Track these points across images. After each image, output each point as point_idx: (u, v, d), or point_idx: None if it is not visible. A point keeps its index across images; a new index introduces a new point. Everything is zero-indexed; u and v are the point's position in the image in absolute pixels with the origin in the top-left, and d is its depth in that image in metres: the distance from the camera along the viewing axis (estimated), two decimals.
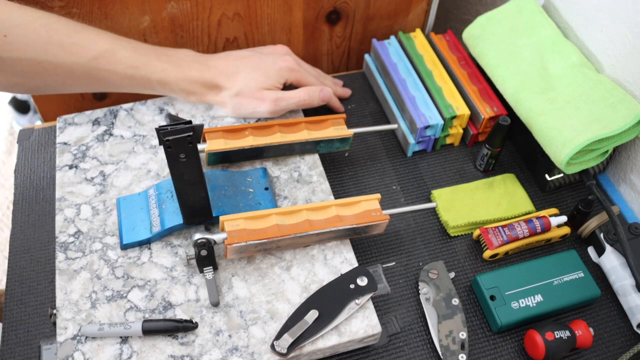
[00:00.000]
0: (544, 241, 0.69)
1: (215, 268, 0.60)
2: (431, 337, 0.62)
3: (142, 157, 0.69)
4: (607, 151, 0.68)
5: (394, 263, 0.67)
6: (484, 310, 0.63)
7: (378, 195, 0.64)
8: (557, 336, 0.59)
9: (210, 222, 0.62)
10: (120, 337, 0.55)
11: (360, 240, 0.69)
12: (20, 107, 1.79)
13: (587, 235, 0.69)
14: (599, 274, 0.68)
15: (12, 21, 0.60)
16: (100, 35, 0.65)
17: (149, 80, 0.67)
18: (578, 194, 0.75)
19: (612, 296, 0.66)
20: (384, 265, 0.67)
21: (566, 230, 0.69)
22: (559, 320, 0.64)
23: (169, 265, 0.60)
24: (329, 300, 0.57)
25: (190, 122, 0.54)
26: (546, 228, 0.67)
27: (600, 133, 0.64)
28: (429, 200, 0.73)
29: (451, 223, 0.69)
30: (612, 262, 0.65)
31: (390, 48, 0.82)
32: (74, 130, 0.71)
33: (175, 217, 0.61)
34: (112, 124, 0.71)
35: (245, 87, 0.70)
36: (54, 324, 0.57)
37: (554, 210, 0.69)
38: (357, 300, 0.57)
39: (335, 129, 0.69)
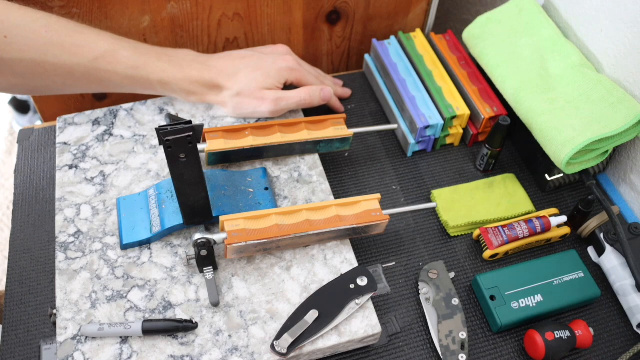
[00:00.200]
0: (544, 241, 0.69)
1: (215, 268, 0.60)
2: (431, 337, 0.62)
3: (142, 157, 0.69)
4: (607, 151, 0.68)
5: (394, 263, 0.67)
6: (484, 310, 0.63)
7: (378, 195, 0.64)
8: (557, 336, 0.59)
9: (210, 222, 0.62)
10: (120, 337, 0.55)
11: (360, 240, 0.69)
12: (20, 107, 1.79)
13: (587, 235, 0.69)
14: (599, 274, 0.68)
15: (12, 22, 0.60)
16: (101, 36, 0.65)
17: (149, 80, 0.67)
18: (578, 194, 0.75)
19: (612, 296, 0.66)
20: (384, 265, 0.67)
21: (566, 230, 0.69)
22: (559, 320, 0.64)
23: (169, 265, 0.60)
24: (329, 300, 0.57)
25: (190, 122, 0.54)
26: (546, 228, 0.67)
27: (600, 133, 0.64)
28: (429, 200, 0.73)
29: (451, 223, 0.69)
30: (612, 262, 0.65)
31: (390, 48, 0.82)
32: (74, 130, 0.71)
33: (175, 217, 0.61)
34: (112, 124, 0.71)
35: (245, 87, 0.70)
36: (54, 324, 0.57)
37: (554, 210, 0.69)
38: (357, 300, 0.57)
39: (335, 129, 0.69)
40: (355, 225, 0.61)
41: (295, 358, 0.56)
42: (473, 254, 0.69)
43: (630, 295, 0.63)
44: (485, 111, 0.74)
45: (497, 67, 0.74)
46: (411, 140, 0.76)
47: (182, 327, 0.55)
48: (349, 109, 0.82)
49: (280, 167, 0.69)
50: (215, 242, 0.58)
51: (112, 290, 0.58)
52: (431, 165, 0.77)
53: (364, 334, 0.57)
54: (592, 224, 0.68)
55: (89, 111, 0.73)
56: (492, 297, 0.62)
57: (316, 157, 0.70)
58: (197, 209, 0.60)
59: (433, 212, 0.72)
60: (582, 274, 0.64)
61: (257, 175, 0.67)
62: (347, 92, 0.83)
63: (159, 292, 0.59)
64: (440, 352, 0.59)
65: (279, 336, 0.55)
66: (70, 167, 0.67)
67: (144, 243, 0.62)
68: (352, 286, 0.58)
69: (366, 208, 0.63)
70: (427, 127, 0.74)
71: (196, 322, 0.56)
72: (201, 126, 0.62)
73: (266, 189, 0.66)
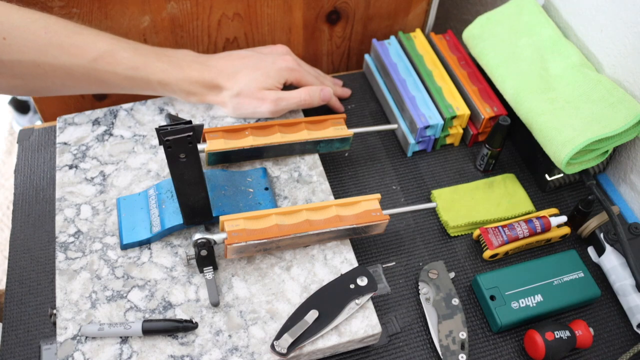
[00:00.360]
0: (544, 241, 0.69)
1: (215, 268, 0.60)
2: (431, 337, 0.62)
3: (142, 157, 0.69)
4: (607, 151, 0.68)
5: (394, 263, 0.67)
6: (484, 310, 0.63)
7: (378, 195, 0.64)
8: (557, 336, 0.59)
9: (210, 222, 0.62)
10: (120, 337, 0.55)
11: (360, 240, 0.69)
12: (20, 107, 1.79)
13: (587, 235, 0.69)
14: (599, 274, 0.68)
15: (12, 23, 0.60)
16: (100, 37, 0.65)
17: (149, 81, 0.67)
18: (578, 194, 0.75)
19: (612, 296, 0.66)
20: (384, 265, 0.67)
21: (566, 230, 0.69)
22: (559, 320, 0.64)
23: (169, 265, 0.60)
24: (329, 300, 0.57)
25: (190, 122, 0.54)
26: (546, 228, 0.67)
27: (600, 133, 0.64)
28: (429, 200, 0.73)
29: (451, 223, 0.69)
30: (612, 262, 0.65)
31: (390, 48, 0.82)
32: (74, 130, 0.71)
33: (175, 217, 0.61)
34: (112, 124, 0.71)
35: (245, 87, 0.70)
36: (54, 324, 0.57)
37: (554, 210, 0.69)
38: (357, 300, 0.57)
39: (335, 129, 0.69)
40: (355, 225, 0.61)
41: (295, 358, 0.56)
42: (473, 254, 0.69)
43: (630, 295, 0.63)
44: (485, 111, 0.74)
45: (497, 67, 0.74)
46: (411, 140, 0.76)
47: (182, 327, 0.55)
48: (349, 109, 0.82)
49: (280, 167, 0.69)
50: (215, 242, 0.58)
51: (112, 290, 0.58)
52: (431, 165, 0.77)
53: (364, 334, 0.57)
54: (592, 224, 0.68)
55: (89, 111, 0.73)
56: (492, 297, 0.62)
57: (316, 157, 0.70)
58: (197, 209, 0.60)
59: (433, 212, 0.72)
60: (582, 274, 0.64)
61: (257, 175, 0.67)
62: (346, 92, 0.83)
63: (159, 292, 0.59)
64: (440, 352, 0.59)
65: (279, 336, 0.55)
66: (70, 167, 0.67)
67: (144, 243, 0.62)
68: (352, 286, 0.58)
69: (366, 208, 0.63)
70: (427, 127, 0.74)
71: (196, 322, 0.56)
72: (201, 126, 0.62)
73: (266, 189, 0.66)
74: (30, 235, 0.68)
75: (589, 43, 0.73)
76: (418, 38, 0.83)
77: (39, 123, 1.17)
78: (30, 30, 0.61)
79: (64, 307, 0.57)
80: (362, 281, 0.58)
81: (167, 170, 0.67)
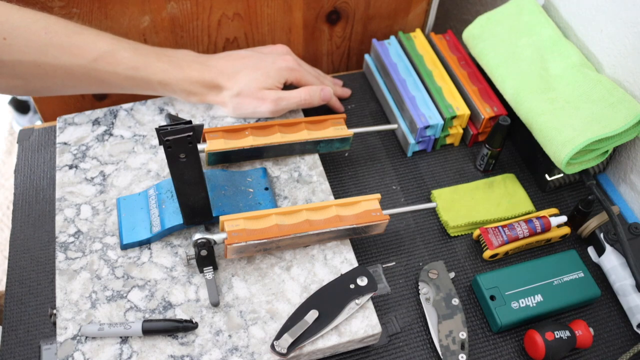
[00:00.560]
0: (544, 241, 0.69)
1: (215, 268, 0.60)
2: (431, 337, 0.62)
3: (142, 157, 0.69)
4: (607, 151, 0.68)
5: (394, 263, 0.67)
6: (484, 310, 0.63)
7: (378, 195, 0.64)
8: (557, 336, 0.59)
9: (210, 222, 0.62)
10: (120, 337, 0.55)
11: (360, 240, 0.69)
12: (20, 107, 1.79)
13: (587, 235, 0.69)
14: (599, 274, 0.68)
15: (12, 23, 0.60)
16: (100, 37, 0.65)
17: (149, 81, 0.67)
18: (578, 194, 0.75)
19: (612, 296, 0.66)
20: (384, 265, 0.67)
21: (566, 230, 0.69)
22: (559, 320, 0.64)
23: (169, 265, 0.60)
24: (329, 300, 0.57)
25: (190, 122, 0.54)
26: (546, 228, 0.67)
27: (600, 133, 0.64)
28: (429, 200, 0.73)
29: (451, 223, 0.69)
30: (612, 262, 0.65)
31: (390, 48, 0.82)
32: (74, 130, 0.71)
33: (175, 217, 0.61)
34: (112, 124, 0.71)
35: (245, 87, 0.70)
36: (54, 324, 0.57)
37: (554, 210, 0.69)
38: (357, 300, 0.57)
39: (335, 129, 0.69)
40: (355, 225, 0.61)
41: (295, 358, 0.56)
42: (473, 254, 0.69)
43: (630, 295, 0.63)
44: (485, 111, 0.74)
45: (497, 67, 0.74)
46: (411, 140, 0.76)
47: (182, 327, 0.55)
48: (349, 109, 0.82)
49: (280, 167, 0.69)
50: (215, 242, 0.58)
51: (112, 290, 0.58)
52: (431, 165, 0.77)
53: (364, 334, 0.57)
54: (592, 224, 0.68)
55: (89, 111, 0.73)
56: (492, 297, 0.62)
57: (316, 157, 0.70)
58: (197, 209, 0.60)
59: (433, 212, 0.72)
60: (582, 274, 0.64)
61: (257, 175, 0.67)
62: (347, 92, 0.83)
63: (159, 292, 0.59)
64: (440, 352, 0.59)
65: (279, 336, 0.55)
66: (70, 167, 0.67)
67: (144, 243, 0.62)
68: (352, 286, 0.58)
69: (366, 208, 0.63)
70: (427, 127, 0.74)
71: (196, 322, 0.56)
72: (201, 126, 0.62)
73: (266, 189, 0.66)
74: (30, 235, 0.68)
75: (589, 43, 0.73)
76: (418, 38, 0.83)
77: (39, 123, 1.17)
78: (30, 30, 0.61)
79: (64, 307, 0.57)
80: (362, 281, 0.58)
81: (167, 170, 0.67)
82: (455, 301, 0.62)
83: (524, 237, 0.66)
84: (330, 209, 0.62)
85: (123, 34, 0.76)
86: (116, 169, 0.67)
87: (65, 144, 0.69)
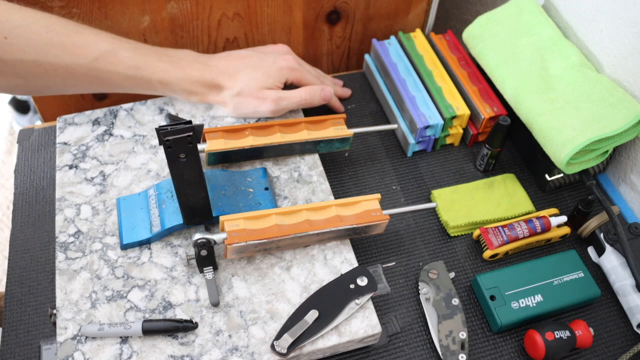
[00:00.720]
0: (544, 241, 0.69)
1: (215, 268, 0.60)
2: (431, 337, 0.62)
3: (142, 157, 0.69)
4: (607, 151, 0.68)
5: (394, 263, 0.67)
6: (484, 310, 0.63)
7: (378, 195, 0.64)
8: (557, 336, 0.59)
9: (210, 222, 0.62)
10: (120, 337, 0.55)
11: (360, 240, 0.69)
12: (20, 107, 1.79)
13: (587, 235, 0.69)
14: (599, 274, 0.68)
15: (13, 22, 0.60)
16: (101, 36, 0.65)
17: (150, 80, 0.67)
18: (578, 194, 0.75)
19: (612, 296, 0.66)
20: (384, 265, 0.67)
21: (566, 230, 0.69)
22: (559, 320, 0.64)
23: (169, 265, 0.60)
24: (329, 300, 0.57)
25: (190, 122, 0.54)
26: (546, 228, 0.67)
27: (600, 133, 0.64)
28: (429, 200, 0.73)
29: (451, 223, 0.69)
30: (612, 262, 0.65)
31: (390, 48, 0.82)
32: (74, 130, 0.71)
33: (175, 217, 0.61)
34: (112, 124, 0.71)
35: (246, 87, 0.70)
36: (54, 324, 0.57)
37: (554, 210, 0.69)
38: (357, 300, 0.57)
39: (335, 129, 0.69)
40: (355, 225, 0.61)
41: (295, 358, 0.56)
42: (473, 254, 0.69)
43: (630, 295, 0.63)
44: (485, 111, 0.74)
45: (497, 67, 0.74)
46: (411, 140, 0.76)
47: (182, 327, 0.55)
48: (349, 109, 0.82)
49: (280, 167, 0.69)
50: (215, 242, 0.58)
51: (112, 290, 0.58)
52: (431, 165, 0.77)
53: (364, 334, 0.57)
54: (592, 224, 0.68)
55: (89, 111, 0.73)
56: (492, 297, 0.62)
57: (316, 157, 0.70)
58: (197, 209, 0.60)
59: (433, 212, 0.72)
60: (582, 274, 0.64)
61: (257, 175, 0.67)
62: (347, 92, 0.83)
63: (159, 292, 0.59)
64: (440, 352, 0.59)
65: (279, 336, 0.55)
66: (70, 167, 0.67)
67: (144, 243, 0.62)
68: (352, 286, 0.58)
69: (366, 208, 0.63)
70: (427, 127, 0.74)
71: (196, 322, 0.56)
72: (201, 126, 0.62)
73: (266, 189, 0.66)
74: (30, 235, 0.68)
75: (589, 43, 0.73)
76: (418, 38, 0.83)
77: (39, 123, 1.17)
78: (31, 29, 0.61)
79: (64, 307, 0.57)
80: (362, 281, 0.58)
81: (167, 170, 0.67)
82: (455, 301, 0.62)
83: (524, 237, 0.66)
84: (330, 209, 0.62)
85: (123, 34, 0.76)
86: (116, 169, 0.67)
87: (65, 144, 0.69)
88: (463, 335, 0.60)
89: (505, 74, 0.73)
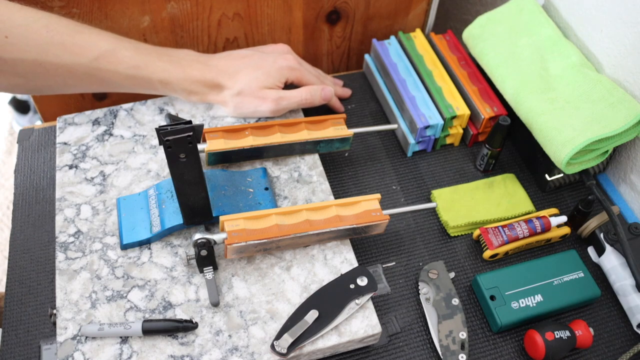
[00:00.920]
0: (544, 241, 0.69)
1: (215, 268, 0.60)
2: (431, 337, 0.62)
3: (142, 157, 0.69)
4: (607, 151, 0.68)
5: (394, 263, 0.67)
6: (484, 310, 0.63)
7: (378, 195, 0.64)
8: (557, 336, 0.59)
9: (210, 222, 0.62)
10: (120, 337, 0.55)
11: (360, 240, 0.69)
12: (20, 107, 1.79)
13: (587, 235, 0.69)
14: (599, 274, 0.68)
15: (13, 22, 0.60)
16: (102, 36, 0.65)
17: (150, 80, 0.67)
18: (578, 194, 0.75)
19: (612, 296, 0.66)
20: (384, 265, 0.67)
21: (566, 230, 0.69)
22: (559, 320, 0.64)
23: (169, 265, 0.60)
24: (329, 300, 0.57)
25: (190, 122, 0.54)
26: (546, 228, 0.67)
27: (600, 133, 0.64)
28: (429, 200, 0.73)
29: (451, 223, 0.69)
30: (612, 262, 0.65)
31: (390, 48, 0.82)
32: (74, 130, 0.71)
33: (175, 217, 0.61)
34: (112, 124, 0.71)
35: (246, 86, 0.70)
36: (54, 324, 0.57)
37: (554, 210, 0.69)
38: (357, 300, 0.57)
39: (335, 129, 0.69)
40: (355, 225, 0.61)
41: (295, 358, 0.56)
42: (473, 254, 0.69)
43: (630, 295, 0.63)
44: (485, 111, 0.74)
45: (497, 67, 0.74)
46: (411, 140, 0.76)
47: (182, 327, 0.55)
48: (349, 109, 0.82)
49: (280, 167, 0.69)
50: (215, 242, 0.58)
51: (112, 290, 0.58)
52: (431, 165, 0.77)
53: (364, 334, 0.57)
54: (592, 224, 0.68)
55: (89, 111, 0.73)
56: (492, 297, 0.62)
57: (316, 157, 0.70)
58: (197, 209, 0.60)
59: (433, 212, 0.72)
60: (582, 274, 0.64)
61: (257, 175, 0.67)
62: (347, 92, 0.83)
63: (159, 292, 0.59)
64: (440, 352, 0.59)
65: (279, 336, 0.55)
66: (70, 167, 0.67)
67: (144, 243, 0.62)
68: (352, 286, 0.58)
69: (366, 208, 0.63)
70: (427, 127, 0.74)
71: (196, 322, 0.56)
72: (201, 126, 0.62)
73: (266, 189, 0.66)
74: (30, 235, 0.68)
75: (589, 43, 0.73)
76: (418, 38, 0.83)
77: (39, 123, 1.17)
78: (32, 29, 0.61)
79: (64, 307, 0.57)
80: (362, 281, 0.58)
81: (167, 170, 0.67)
82: (455, 301, 0.62)
83: (524, 237, 0.66)
84: (330, 209, 0.62)
85: (123, 34, 0.76)
86: (116, 169, 0.67)
87: (65, 144, 0.69)
88: (463, 335, 0.60)
89: (505, 74, 0.73)
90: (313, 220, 0.61)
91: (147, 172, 0.67)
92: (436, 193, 0.72)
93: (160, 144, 0.53)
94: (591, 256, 0.68)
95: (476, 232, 0.68)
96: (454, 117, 0.75)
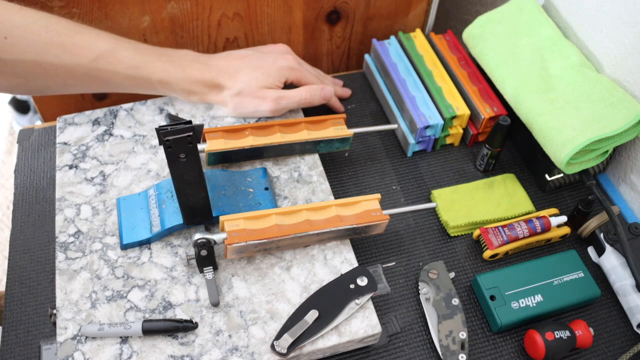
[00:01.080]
0: (544, 241, 0.69)
1: (215, 268, 0.60)
2: (431, 337, 0.62)
3: (142, 157, 0.69)
4: (607, 151, 0.68)
5: (394, 263, 0.67)
6: (484, 310, 0.63)
7: (378, 195, 0.64)
8: (557, 336, 0.59)
9: (210, 222, 0.62)
10: (120, 337, 0.55)
11: (360, 240, 0.69)
12: (20, 107, 1.79)
13: (587, 235, 0.69)
14: (599, 274, 0.68)
15: (13, 23, 0.60)
16: (101, 36, 0.65)
17: (150, 80, 0.67)
18: (578, 194, 0.75)
19: (612, 296, 0.66)
20: (384, 265, 0.67)
21: (566, 230, 0.69)
22: (559, 320, 0.64)
23: (169, 265, 0.60)
24: (329, 300, 0.57)
25: (190, 122, 0.54)
26: (546, 228, 0.67)
27: (600, 133, 0.64)
28: (429, 200, 0.73)
29: (451, 223, 0.69)
30: (612, 262, 0.65)
31: (390, 48, 0.82)
32: (74, 130, 0.71)
33: (175, 217, 0.61)
34: (112, 124, 0.71)
35: (246, 86, 0.70)
36: (54, 324, 0.57)
37: (554, 210, 0.69)
38: (357, 300, 0.57)
39: (335, 129, 0.69)
40: (355, 225, 0.61)
41: (295, 358, 0.56)
42: (473, 254, 0.69)
43: (630, 295, 0.63)
44: (485, 111, 0.74)
45: (497, 67, 0.74)
46: (411, 140, 0.76)
47: (182, 327, 0.55)
48: (349, 109, 0.82)
49: (280, 167, 0.69)
50: (215, 242, 0.58)
51: (112, 290, 0.58)
52: (431, 165, 0.77)
53: (364, 334, 0.57)
54: (592, 224, 0.68)
55: (89, 111, 0.73)
56: (492, 297, 0.62)
57: (316, 157, 0.70)
58: (197, 209, 0.60)
59: (433, 212, 0.72)
60: (582, 274, 0.64)
61: (257, 175, 0.67)
62: (347, 92, 0.83)
63: (159, 292, 0.59)
64: (440, 352, 0.59)
65: (279, 336, 0.55)
66: (70, 167, 0.67)
67: (144, 243, 0.62)
68: (352, 286, 0.58)
69: (366, 208, 0.63)
70: (427, 127, 0.74)
71: (196, 322, 0.56)
72: (201, 126, 0.62)
73: (266, 189, 0.66)
74: (30, 235, 0.68)
75: (589, 43, 0.73)
76: (418, 38, 0.83)
77: (39, 123, 1.17)
78: (31, 29, 0.61)
79: (64, 307, 0.57)
80: (362, 281, 0.58)
81: (167, 170, 0.67)
82: (455, 301, 0.62)
83: (524, 237, 0.66)
84: (330, 209, 0.62)
85: (123, 34, 0.76)
86: (116, 169, 0.67)
87: (65, 144, 0.69)
88: (463, 335, 0.60)
89: (505, 74, 0.73)
90: (313, 220, 0.61)
91: (147, 172, 0.67)
92: (436, 193, 0.72)
93: (160, 144, 0.53)
94: (591, 256, 0.68)
95: (476, 232, 0.68)
96: (454, 117, 0.75)
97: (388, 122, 0.81)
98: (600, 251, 0.67)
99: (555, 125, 0.66)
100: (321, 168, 0.69)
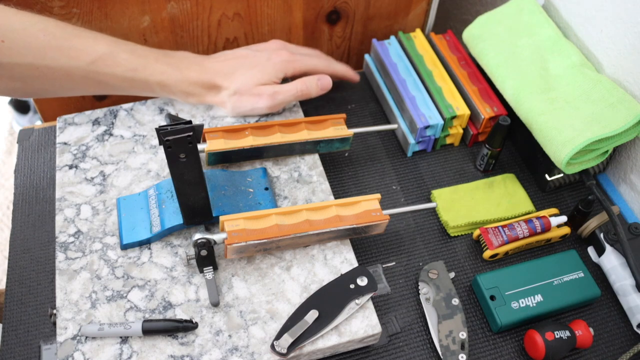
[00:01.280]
0: (544, 241, 0.69)
1: (215, 268, 0.60)
2: (431, 337, 0.62)
3: (142, 157, 0.69)
4: (607, 151, 0.68)
5: (394, 263, 0.67)
6: (484, 310, 0.63)
7: (378, 195, 0.64)
8: (557, 336, 0.59)
9: (210, 222, 0.62)
10: (120, 337, 0.55)
11: (360, 240, 0.69)
12: (20, 107, 1.80)
13: (587, 235, 0.69)
14: (599, 274, 0.68)
15: (10, 26, 0.60)
16: (99, 39, 0.65)
17: (148, 82, 0.67)
18: (578, 194, 0.75)
19: (612, 296, 0.66)
20: (384, 265, 0.67)
21: (566, 230, 0.69)
22: (559, 320, 0.64)
23: (169, 265, 0.60)
24: (329, 300, 0.57)
25: (190, 122, 0.54)
26: (546, 228, 0.67)
27: (600, 133, 0.64)
28: (429, 200, 0.73)
29: (451, 223, 0.69)
30: (612, 262, 0.65)
31: (390, 48, 0.82)
32: (74, 130, 0.71)
33: (175, 217, 0.61)
34: (112, 124, 0.71)
35: (242, 85, 0.70)
36: (54, 324, 0.57)
37: (554, 210, 0.69)
38: (357, 300, 0.57)
39: (335, 129, 0.69)
40: (355, 225, 0.61)
41: (295, 358, 0.56)
42: (473, 254, 0.69)
43: (630, 295, 0.63)
44: (485, 111, 0.74)
45: (497, 67, 0.74)
46: (411, 140, 0.76)
47: (182, 327, 0.55)
48: (349, 109, 0.82)
49: (280, 167, 0.69)
50: (215, 242, 0.58)
51: (112, 290, 0.58)
52: (431, 165, 0.77)
53: (364, 334, 0.57)
54: (592, 224, 0.68)
55: (89, 111, 0.73)
56: (492, 297, 0.62)
57: (316, 157, 0.70)
58: (197, 209, 0.60)
59: (433, 212, 0.72)
60: (582, 274, 0.64)
61: (257, 175, 0.67)
62: (356, 76, 0.81)
63: (159, 292, 0.59)
64: (440, 352, 0.59)
65: (279, 336, 0.55)
66: (70, 167, 0.67)
67: (144, 243, 0.62)
68: (352, 286, 0.58)
69: (366, 208, 0.63)
70: (427, 127, 0.74)
71: (196, 322, 0.56)
72: (201, 126, 0.62)
73: (266, 189, 0.66)
74: (30, 235, 0.68)
75: (589, 43, 0.73)
76: (418, 38, 0.83)
77: (39, 123, 1.17)
78: (29, 33, 0.61)
79: (64, 307, 0.57)
80: (362, 281, 0.58)
81: (167, 170, 0.67)
82: (455, 301, 0.62)
83: (524, 237, 0.66)
84: (330, 209, 0.62)
85: (123, 34, 0.76)
86: (116, 169, 0.67)
87: (65, 144, 0.69)
88: (463, 335, 0.60)
89: (505, 74, 0.73)
90: (313, 220, 0.61)
91: (147, 172, 0.67)
92: (436, 193, 0.72)
93: (160, 144, 0.53)
94: (591, 256, 0.68)
95: (476, 232, 0.68)
96: (454, 117, 0.75)
97: (388, 122, 0.81)
98: (600, 251, 0.67)
99: (555, 125, 0.66)
100: (321, 168, 0.69)
